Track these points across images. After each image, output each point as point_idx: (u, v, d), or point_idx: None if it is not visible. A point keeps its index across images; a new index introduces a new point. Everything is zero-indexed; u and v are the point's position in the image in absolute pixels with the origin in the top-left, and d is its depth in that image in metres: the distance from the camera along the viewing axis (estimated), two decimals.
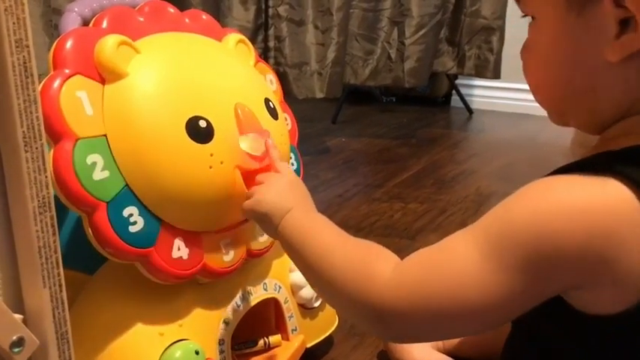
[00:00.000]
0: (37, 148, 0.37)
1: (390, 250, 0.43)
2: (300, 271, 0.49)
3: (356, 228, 1.18)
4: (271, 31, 1.47)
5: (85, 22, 0.57)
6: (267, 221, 0.51)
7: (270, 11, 1.45)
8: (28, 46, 0.35)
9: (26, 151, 0.36)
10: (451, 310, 0.37)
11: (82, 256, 0.56)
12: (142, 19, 0.58)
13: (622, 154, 0.36)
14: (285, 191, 0.52)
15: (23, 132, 0.34)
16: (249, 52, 0.67)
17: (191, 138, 0.52)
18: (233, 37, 0.65)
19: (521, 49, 0.45)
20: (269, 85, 0.69)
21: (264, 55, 1.48)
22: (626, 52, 0.36)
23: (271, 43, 1.47)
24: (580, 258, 0.34)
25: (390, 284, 0.39)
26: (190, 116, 0.53)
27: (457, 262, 0.37)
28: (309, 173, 1.53)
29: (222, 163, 0.54)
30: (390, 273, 0.40)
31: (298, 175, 0.74)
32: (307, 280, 0.51)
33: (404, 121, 2.10)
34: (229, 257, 0.58)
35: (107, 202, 0.49)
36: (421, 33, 1.68)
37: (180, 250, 0.54)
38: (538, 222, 0.35)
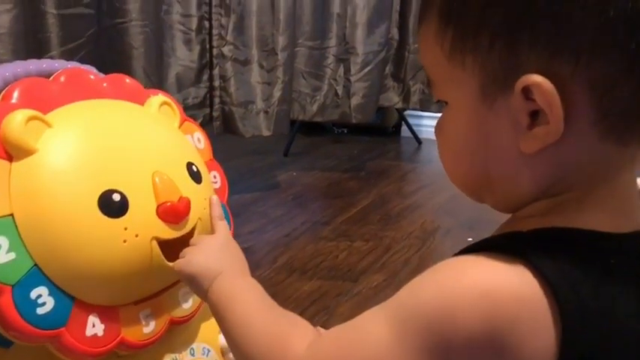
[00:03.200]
0: None
1: (309, 325, 0.44)
2: (224, 337, 0.49)
3: (301, 270, 1.18)
4: (216, 71, 1.47)
5: None
6: (196, 283, 0.50)
7: (215, 51, 1.46)
8: None
9: None
10: None
11: None
12: (56, 88, 0.57)
13: (529, 237, 0.37)
14: (216, 253, 0.51)
15: None
16: (173, 114, 0.67)
17: (103, 213, 0.52)
18: (156, 100, 0.65)
19: (435, 128, 0.44)
20: (196, 144, 0.69)
21: (209, 94, 1.48)
22: (539, 144, 0.36)
23: (216, 83, 1.48)
24: (482, 343, 0.35)
25: None
26: (103, 190, 0.52)
27: (368, 341, 0.37)
28: (258, 211, 1.53)
29: (137, 236, 0.53)
30: (304, 351, 0.40)
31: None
32: (229, 347, 0.50)
33: (354, 152, 2.13)
34: (150, 328, 0.57)
35: (12, 286, 0.48)
36: (366, 70, 1.71)
37: (94, 326, 0.53)
38: (442, 306, 0.35)
